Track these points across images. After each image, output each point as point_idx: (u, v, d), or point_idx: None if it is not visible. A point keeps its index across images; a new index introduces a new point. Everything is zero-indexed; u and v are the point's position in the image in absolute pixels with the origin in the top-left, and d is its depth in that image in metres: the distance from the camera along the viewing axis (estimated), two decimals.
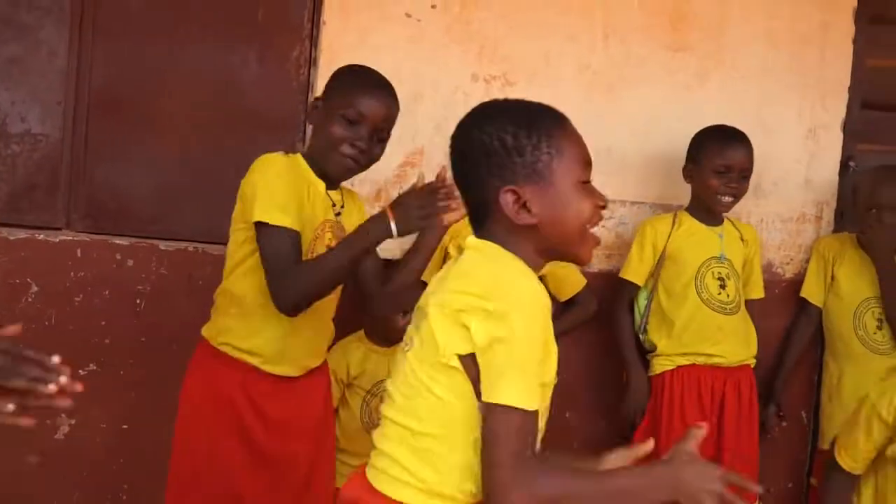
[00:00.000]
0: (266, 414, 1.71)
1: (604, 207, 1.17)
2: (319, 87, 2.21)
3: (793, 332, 2.43)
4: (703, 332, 2.20)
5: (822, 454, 2.32)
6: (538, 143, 1.11)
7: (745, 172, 2.22)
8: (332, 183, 1.77)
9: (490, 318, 1.04)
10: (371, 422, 2.08)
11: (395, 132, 2.24)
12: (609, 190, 2.38)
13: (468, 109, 2.29)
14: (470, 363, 1.06)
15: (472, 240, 1.16)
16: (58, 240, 2.11)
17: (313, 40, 2.25)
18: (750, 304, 2.34)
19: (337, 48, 2.22)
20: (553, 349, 1.13)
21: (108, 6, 2.17)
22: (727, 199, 2.22)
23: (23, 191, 2.16)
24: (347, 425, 2.09)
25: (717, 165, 2.20)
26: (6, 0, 2.13)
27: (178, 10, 2.20)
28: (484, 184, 1.12)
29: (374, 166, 2.22)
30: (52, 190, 2.16)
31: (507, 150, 1.10)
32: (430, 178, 2.27)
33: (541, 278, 2.27)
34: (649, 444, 1.21)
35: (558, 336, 2.39)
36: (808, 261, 2.45)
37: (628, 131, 2.40)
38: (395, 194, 2.25)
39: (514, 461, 1.00)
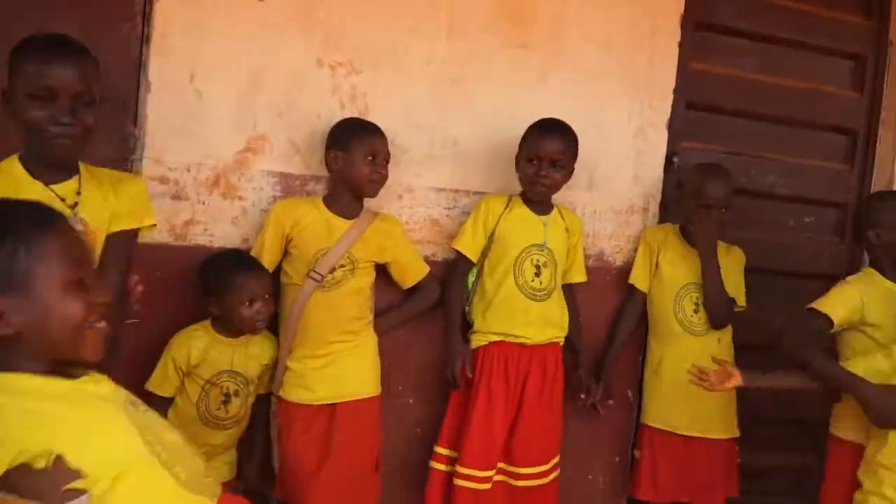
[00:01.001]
0: None
1: (105, 303, 1.13)
2: (154, 67, 2.12)
3: (620, 316, 2.63)
4: (513, 315, 2.33)
5: (644, 429, 2.54)
6: (14, 251, 1.06)
7: (556, 162, 2.32)
8: (61, 172, 1.62)
9: None
10: (208, 412, 2.04)
11: (234, 118, 2.21)
12: (454, 179, 2.51)
13: (311, 96, 2.31)
14: None
15: None
16: None
17: (145, 16, 2.13)
18: (573, 287, 2.50)
19: (172, 25, 2.13)
20: None
21: None
22: (538, 187, 2.34)
23: None
24: (184, 413, 2.05)
25: (529, 154, 2.33)
26: None
27: None
28: None
29: (211, 151, 2.19)
30: None
31: None
32: (276, 166, 2.26)
33: (385, 266, 2.33)
34: None
35: (403, 323, 2.48)
36: (635, 249, 2.65)
37: (473, 124, 2.48)
38: (234, 181, 2.22)
39: None
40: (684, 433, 2.48)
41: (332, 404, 2.15)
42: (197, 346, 2.06)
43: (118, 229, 1.67)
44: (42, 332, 1.07)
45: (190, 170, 2.16)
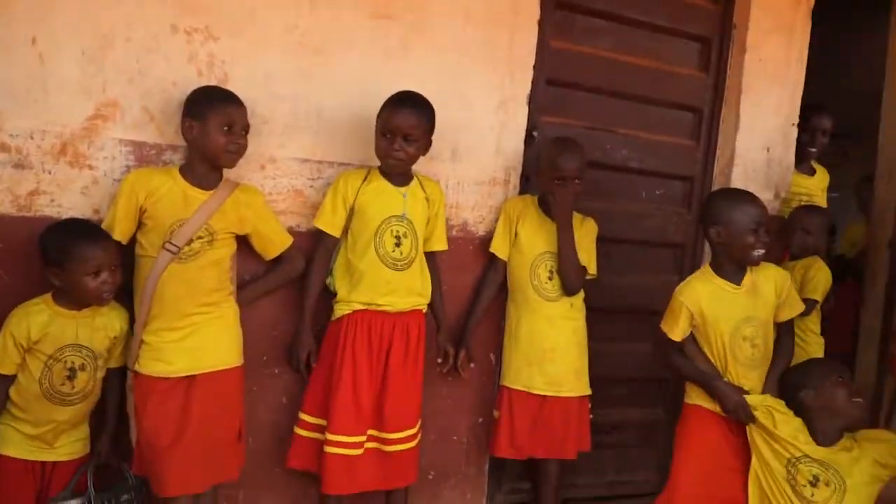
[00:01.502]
0: None
1: None
2: None
3: (482, 284, 2.75)
4: (375, 285, 2.41)
5: (503, 390, 2.68)
6: None
7: (409, 136, 2.38)
8: None
9: None
10: (52, 388, 2.00)
11: (80, 80, 2.13)
12: (318, 150, 2.52)
13: (165, 62, 2.25)
14: None
15: None
16: None
17: None
18: (436, 255, 2.59)
19: None
20: None
21: None
22: (390, 161, 2.40)
23: None
24: (26, 391, 1.99)
25: (383, 128, 2.38)
26: None
27: None
28: None
29: (56, 118, 2.11)
30: None
31: None
32: (129, 134, 2.19)
33: (246, 237, 2.33)
34: None
35: (266, 294, 2.49)
36: (496, 220, 2.77)
37: (337, 94, 2.49)
38: (83, 149, 2.15)
39: None
40: (539, 392, 2.65)
41: (190, 376, 2.15)
42: (37, 320, 1.99)
43: None
44: None
45: (33, 137, 2.07)
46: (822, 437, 2.35)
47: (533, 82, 2.83)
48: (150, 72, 2.21)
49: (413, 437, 2.51)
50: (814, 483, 2.27)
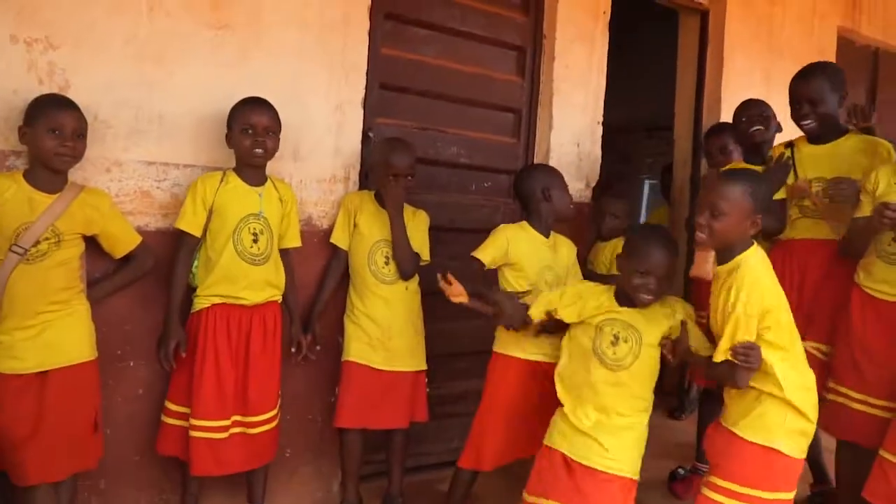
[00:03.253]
0: None
1: None
2: None
3: (326, 273, 3.04)
4: (234, 279, 2.65)
5: (344, 365, 2.97)
6: None
7: (269, 129, 2.67)
8: None
9: None
10: None
11: None
12: (163, 153, 2.70)
13: (5, 72, 2.35)
14: None
15: None
16: None
17: None
18: (289, 252, 2.86)
19: None
20: None
21: None
22: (256, 156, 2.66)
23: None
24: None
25: (243, 125, 2.63)
26: None
27: None
28: None
29: None
30: None
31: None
32: None
33: (94, 238, 2.45)
34: None
35: (117, 290, 2.63)
36: (338, 214, 3.05)
37: (178, 100, 2.69)
38: None
39: None
40: (377, 367, 2.96)
41: (43, 372, 2.27)
42: None
43: None
44: None
45: None
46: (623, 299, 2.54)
47: (367, 87, 3.14)
48: None
49: (274, 418, 2.76)
50: (615, 341, 2.48)
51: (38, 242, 2.24)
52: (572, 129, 3.79)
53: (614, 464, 2.40)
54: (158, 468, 2.73)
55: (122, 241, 2.51)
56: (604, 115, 3.92)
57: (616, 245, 3.75)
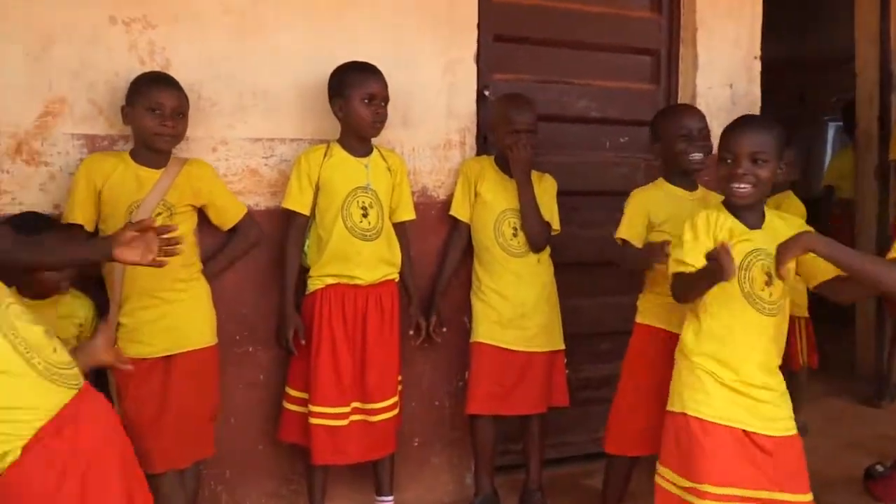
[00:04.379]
0: None
1: None
2: None
3: (447, 248, 3.05)
4: (346, 256, 2.71)
5: (473, 346, 2.98)
6: None
7: (386, 98, 2.72)
8: None
9: None
10: None
11: (27, 80, 2.42)
12: (268, 128, 2.82)
13: (108, 54, 2.54)
14: None
15: None
16: None
17: None
18: (404, 225, 2.89)
19: None
20: None
21: None
22: (378, 125, 2.72)
23: None
24: None
25: (360, 94, 2.67)
26: None
27: None
28: None
29: (7, 118, 2.40)
30: None
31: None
32: (79, 128, 2.49)
33: (203, 211, 2.60)
34: None
35: (229, 265, 2.78)
36: (455, 183, 3.06)
37: (280, 72, 2.78)
38: (37, 146, 2.45)
39: None
40: (510, 347, 2.94)
41: (168, 356, 2.44)
42: None
43: None
44: None
45: None
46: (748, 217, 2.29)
47: (479, 40, 3.12)
48: (93, 65, 2.50)
49: (394, 405, 2.81)
50: (769, 281, 2.23)
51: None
52: (723, 68, 3.58)
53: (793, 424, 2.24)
54: (284, 457, 2.87)
55: (230, 212, 2.64)
56: (764, 50, 3.68)
57: (779, 201, 3.52)
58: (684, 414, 2.24)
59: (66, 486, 1.37)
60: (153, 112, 2.41)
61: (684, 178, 2.75)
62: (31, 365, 1.42)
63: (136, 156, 2.47)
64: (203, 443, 2.55)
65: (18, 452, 1.36)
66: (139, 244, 1.95)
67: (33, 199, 2.45)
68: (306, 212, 2.73)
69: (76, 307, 2.41)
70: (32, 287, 2.29)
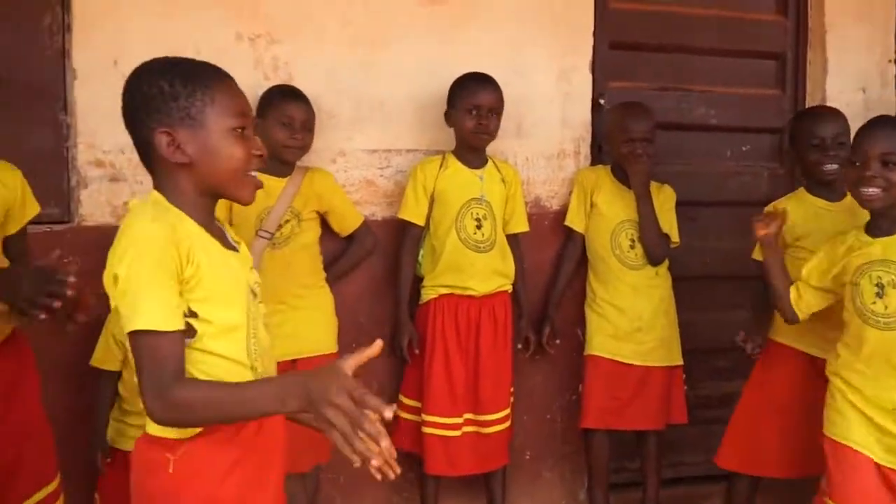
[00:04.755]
0: None
1: (261, 156, 1.50)
2: (77, 55, 2.49)
3: (561, 259, 3.05)
4: (459, 268, 2.75)
5: (588, 359, 2.96)
6: (192, 91, 1.42)
7: (494, 110, 2.75)
8: None
9: (112, 263, 1.36)
10: None
11: None
12: (385, 139, 2.90)
13: (234, 70, 2.66)
14: None
15: (132, 204, 1.49)
16: None
17: (65, 5, 2.50)
18: (517, 237, 2.91)
19: (90, 13, 2.50)
20: (210, 273, 1.42)
21: None
22: (482, 136, 2.76)
23: None
24: (131, 384, 2.43)
25: (467, 105, 2.72)
26: None
27: None
28: (143, 126, 1.44)
29: None
30: None
31: (164, 96, 1.42)
32: None
33: (325, 219, 2.69)
34: (376, 346, 1.40)
35: (346, 272, 2.86)
36: (570, 193, 3.06)
37: (397, 84, 2.86)
38: None
39: (150, 381, 1.33)
40: (626, 361, 2.90)
41: (291, 361, 2.54)
42: None
43: (20, 226, 2.07)
44: (209, 166, 1.43)
45: (124, 151, 2.53)
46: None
47: (594, 48, 3.12)
48: None
49: (507, 418, 2.83)
50: (880, 293, 2.13)
51: (280, 226, 2.54)
52: (854, 72, 3.43)
53: None
54: (399, 464, 2.92)
55: (349, 219, 2.74)
56: None
57: None
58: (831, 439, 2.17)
59: (234, 476, 1.43)
60: (284, 125, 2.53)
61: (825, 187, 2.65)
62: (252, 368, 1.48)
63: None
64: (321, 448, 2.62)
65: (196, 432, 1.42)
66: None
67: None
68: (421, 222, 2.80)
69: None
70: None
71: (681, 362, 3.00)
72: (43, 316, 1.70)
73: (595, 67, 3.13)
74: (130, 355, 2.39)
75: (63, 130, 2.52)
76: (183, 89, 1.42)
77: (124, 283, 1.35)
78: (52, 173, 2.48)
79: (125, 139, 2.49)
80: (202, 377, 1.41)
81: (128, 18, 2.52)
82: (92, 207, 2.52)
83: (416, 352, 2.77)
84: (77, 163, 2.51)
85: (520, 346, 2.95)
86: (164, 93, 1.42)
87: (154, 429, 1.43)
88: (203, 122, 1.42)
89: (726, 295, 3.33)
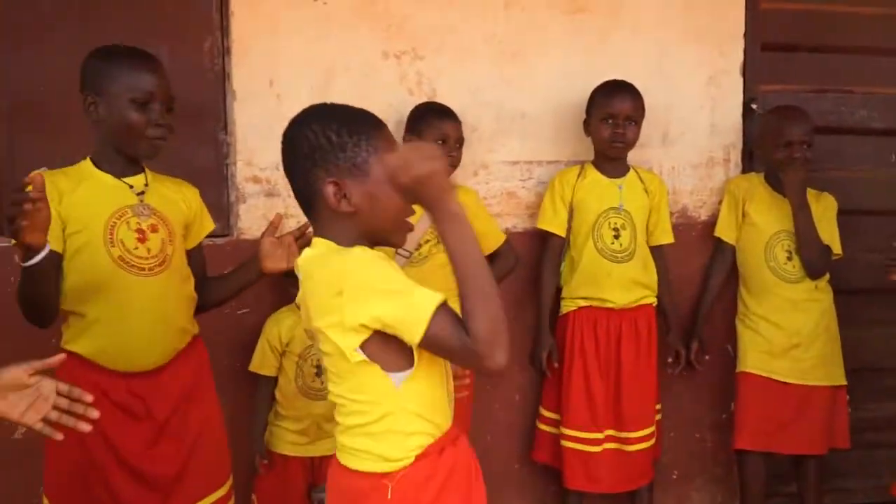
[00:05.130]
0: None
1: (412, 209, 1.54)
2: (236, 76, 2.64)
3: (710, 271, 2.96)
4: (596, 278, 2.72)
5: (740, 377, 2.85)
6: (358, 141, 1.46)
7: (630, 118, 2.69)
8: (130, 168, 2.05)
9: (347, 296, 1.38)
10: (305, 384, 2.54)
11: None
12: (526, 151, 2.92)
13: (381, 86, 2.76)
14: (370, 344, 1.40)
15: (305, 254, 1.51)
16: None
17: (224, 30, 2.66)
18: (662, 249, 2.85)
19: (247, 36, 2.64)
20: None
21: (15, 12, 2.52)
22: (617, 145, 2.71)
23: None
24: (287, 390, 2.55)
25: (602, 114, 2.69)
26: None
27: (88, 11, 2.57)
28: (309, 175, 1.47)
29: None
30: None
31: (332, 146, 1.45)
32: None
33: None
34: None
35: None
36: (720, 202, 2.96)
37: (539, 95, 2.87)
38: None
39: (463, 341, 1.36)
40: (782, 379, 2.77)
41: None
42: (285, 324, 2.54)
43: (197, 241, 2.20)
44: (374, 214, 1.47)
45: (279, 168, 2.61)
46: None
47: (745, 50, 3.02)
48: (369, 97, 2.71)
49: (651, 435, 2.77)
50: None
51: (419, 245, 2.60)
52: None
53: None
54: (539, 478, 2.92)
55: (490, 238, 2.74)
56: None
57: None
58: None
59: (446, 491, 1.47)
60: (440, 142, 2.57)
61: None
62: (446, 388, 1.54)
63: None
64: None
65: (412, 459, 1.46)
66: (279, 250, 2.16)
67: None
68: (561, 232, 2.79)
69: None
70: None
71: (844, 382, 2.84)
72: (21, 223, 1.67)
73: (746, 70, 3.03)
74: (285, 361, 2.55)
75: (223, 149, 2.67)
76: (349, 139, 1.46)
77: (381, 296, 1.40)
78: (213, 189, 2.63)
79: (279, 156, 2.65)
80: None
81: (282, 41, 2.65)
82: (249, 221, 2.66)
83: (556, 364, 2.76)
84: (236, 179, 2.65)
85: (669, 360, 2.87)
86: (332, 143, 1.46)
87: (366, 465, 1.47)
88: (368, 171, 1.46)
89: (892, 309, 3.14)
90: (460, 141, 2.65)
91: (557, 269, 2.83)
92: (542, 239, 2.84)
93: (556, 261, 2.83)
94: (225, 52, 2.66)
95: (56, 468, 2.03)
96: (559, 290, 2.84)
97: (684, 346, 2.89)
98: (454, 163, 2.64)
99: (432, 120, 2.62)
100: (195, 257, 2.21)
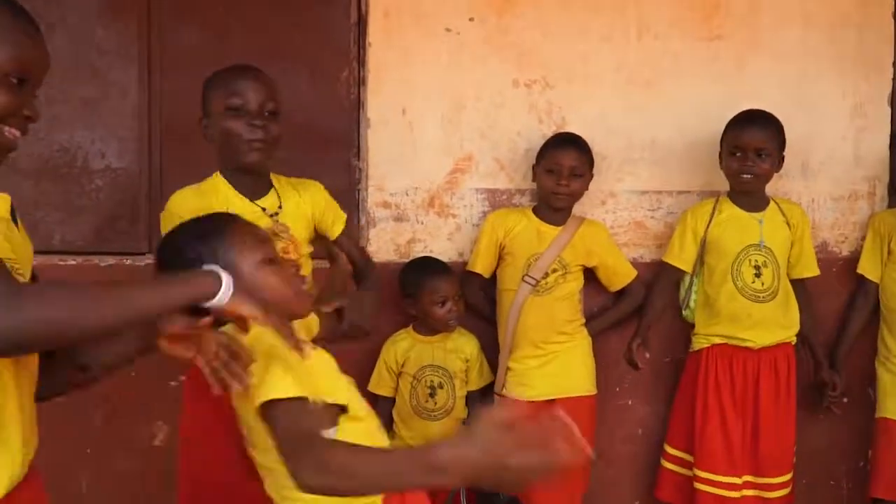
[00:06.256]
0: None
1: (298, 269, 1.55)
2: (371, 105, 2.79)
3: (851, 309, 2.87)
4: (736, 318, 2.67)
5: (879, 422, 2.75)
6: (213, 248, 1.42)
7: (760, 151, 2.63)
8: (260, 187, 2.09)
9: None
10: (418, 405, 2.65)
11: (442, 141, 2.82)
12: (655, 181, 2.95)
13: (510, 115, 2.85)
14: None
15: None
16: (143, 263, 2.72)
17: (361, 61, 2.82)
18: (805, 283, 2.79)
19: (383, 66, 2.79)
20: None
21: (170, 45, 2.77)
22: (746, 176, 2.65)
23: (107, 221, 2.78)
24: (402, 410, 2.67)
25: (731, 147, 2.66)
26: (78, 47, 2.76)
27: (232, 42, 2.78)
28: None
29: (425, 175, 2.81)
30: (133, 218, 2.78)
31: (192, 263, 1.38)
32: (483, 183, 2.83)
33: (592, 269, 2.76)
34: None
35: (612, 326, 2.93)
36: (863, 238, 2.88)
37: (670, 123, 2.88)
38: (447, 200, 2.83)
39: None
40: None
41: (550, 400, 2.62)
42: (401, 345, 2.67)
43: (339, 231, 2.25)
44: (265, 302, 1.35)
45: (408, 193, 2.79)
46: None
47: (894, 79, 2.94)
48: (498, 125, 2.83)
49: (791, 481, 2.71)
50: None
51: (546, 274, 2.65)
52: None
53: None
54: None
55: (619, 274, 2.78)
56: None
57: None
58: None
59: None
60: (551, 172, 2.64)
61: None
62: None
63: (538, 212, 2.73)
64: (577, 488, 2.67)
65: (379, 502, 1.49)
66: None
67: (441, 247, 2.82)
68: (686, 268, 2.78)
69: (463, 343, 2.72)
70: (427, 324, 2.66)
71: None
72: None
73: (894, 100, 2.94)
74: (400, 382, 2.66)
75: (356, 175, 2.82)
76: (205, 250, 1.46)
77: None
78: (345, 213, 2.79)
79: (408, 182, 2.80)
80: None
81: (415, 70, 2.78)
82: (378, 245, 2.79)
83: (646, 355, 2.78)
84: (367, 204, 2.80)
85: (831, 392, 2.80)
86: (191, 259, 1.43)
87: None
88: (238, 270, 1.41)
89: None
90: (576, 170, 2.66)
91: (670, 299, 2.83)
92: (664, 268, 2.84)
93: (669, 289, 2.82)
94: (361, 82, 2.82)
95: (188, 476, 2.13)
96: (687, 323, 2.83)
97: (831, 382, 2.81)
98: (568, 192, 2.66)
99: (547, 148, 2.69)
100: (343, 245, 2.23)
